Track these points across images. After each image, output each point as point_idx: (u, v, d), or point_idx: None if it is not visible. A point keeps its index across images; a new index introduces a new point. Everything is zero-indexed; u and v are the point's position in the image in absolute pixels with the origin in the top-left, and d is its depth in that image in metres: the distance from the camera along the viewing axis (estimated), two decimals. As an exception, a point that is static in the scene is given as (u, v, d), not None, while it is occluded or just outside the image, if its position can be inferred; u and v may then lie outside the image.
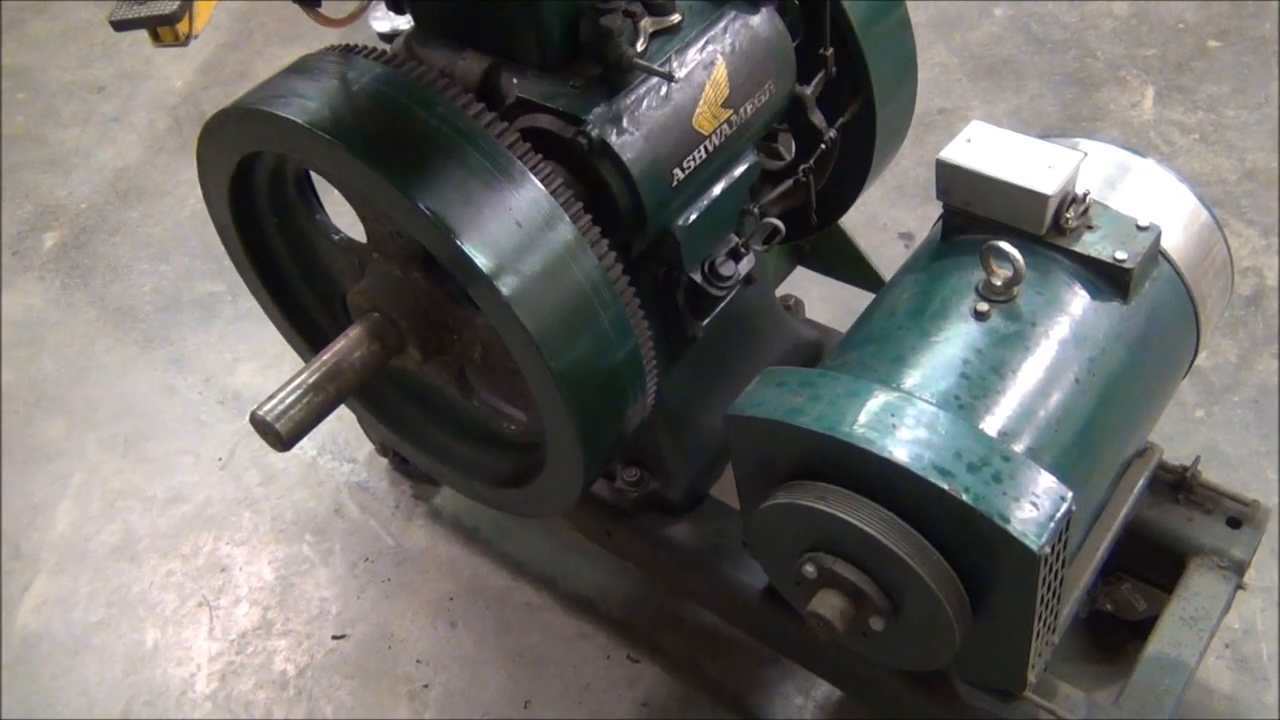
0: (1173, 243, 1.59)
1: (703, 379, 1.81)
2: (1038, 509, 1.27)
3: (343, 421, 2.57)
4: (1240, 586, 1.70)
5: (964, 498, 1.26)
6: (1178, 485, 1.75)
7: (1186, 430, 2.31)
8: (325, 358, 1.50)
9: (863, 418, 1.34)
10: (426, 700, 2.13)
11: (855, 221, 2.77)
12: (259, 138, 1.46)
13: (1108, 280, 1.49)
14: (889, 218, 2.88)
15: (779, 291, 2.20)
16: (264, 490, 2.51)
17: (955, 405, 1.38)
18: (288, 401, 1.47)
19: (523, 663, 2.15)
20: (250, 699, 2.17)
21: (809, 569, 1.41)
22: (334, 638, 2.24)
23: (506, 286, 1.35)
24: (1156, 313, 1.53)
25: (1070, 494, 1.28)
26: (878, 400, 1.36)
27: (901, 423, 1.33)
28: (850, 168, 1.87)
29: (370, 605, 2.28)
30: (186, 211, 3.23)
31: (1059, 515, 1.27)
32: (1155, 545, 1.74)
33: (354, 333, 1.53)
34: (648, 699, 2.07)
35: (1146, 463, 1.73)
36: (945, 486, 1.27)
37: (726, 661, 2.10)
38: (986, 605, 1.37)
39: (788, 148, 1.79)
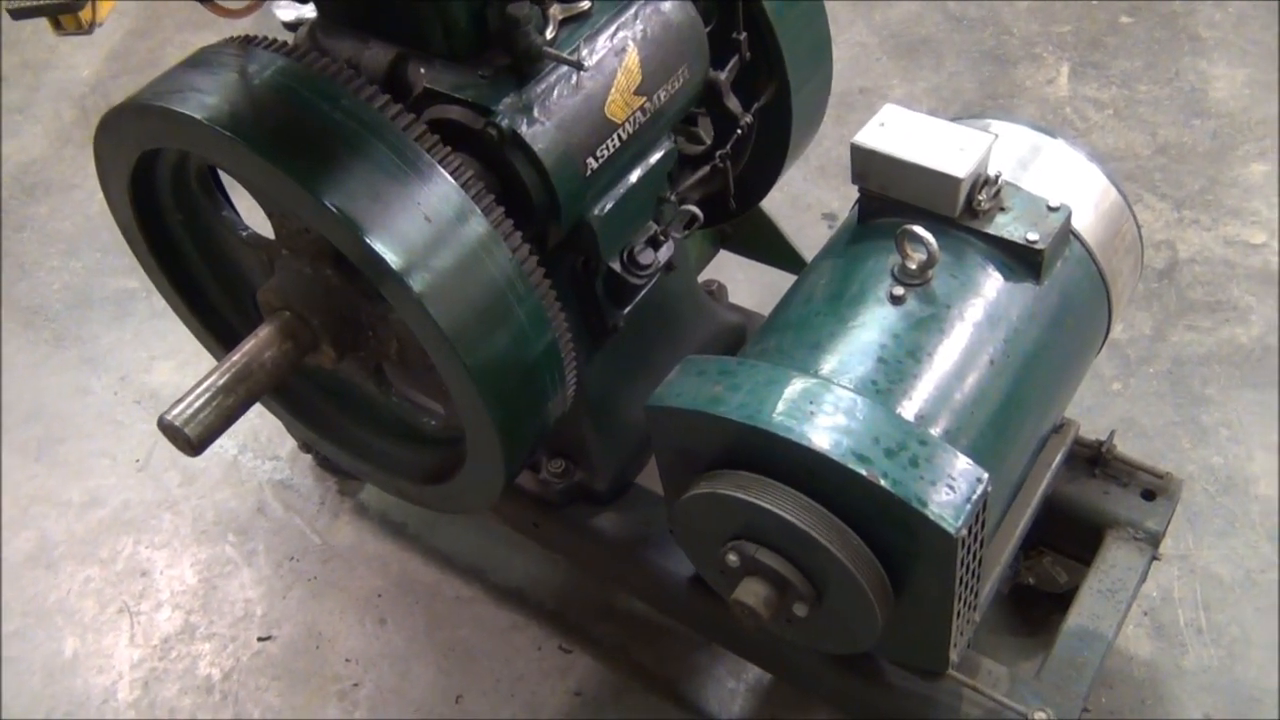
0: (1084, 222, 1.61)
1: (626, 368, 1.80)
2: (954, 491, 1.28)
3: (264, 419, 2.52)
4: (1155, 557, 1.74)
5: (882, 483, 1.27)
6: (1094, 460, 1.78)
7: (1104, 403, 2.35)
8: (235, 359, 1.46)
9: (781, 406, 1.34)
10: (357, 699, 2.10)
11: (779, 203, 2.79)
12: (156, 134, 1.42)
13: (1020, 261, 1.50)
14: (813, 198, 2.88)
15: (702, 276, 2.20)
16: (184, 491, 2.46)
17: (873, 390, 1.39)
18: (197, 405, 1.43)
19: (454, 657, 2.13)
20: (175, 705, 2.12)
21: (732, 558, 1.41)
22: (260, 639, 2.20)
23: (418, 284, 1.32)
24: (1069, 292, 1.54)
25: (986, 475, 1.30)
26: (795, 388, 1.36)
27: (819, 410, 1.33)
28: (768, 151, 1.86)
29: (296, 605, 2.25)
30: (96, 206, 3.14)
31: (975, 497, 1.28)
32: (1074, 519, 1.76)
33: (264, 332, 1.49)
34: (580, 688, 2.07)
35: (1064, 438, 1.75)
36: (863, 472, 1.27)
37: (659, 648, 2.10)
38: (907, 588, 1.38)
39: (707, 132, 1.78)
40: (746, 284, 2.50)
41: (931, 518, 1.26)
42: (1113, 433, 1.80)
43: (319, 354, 1.54)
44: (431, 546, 2.31)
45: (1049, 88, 3.10)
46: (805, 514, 1.32)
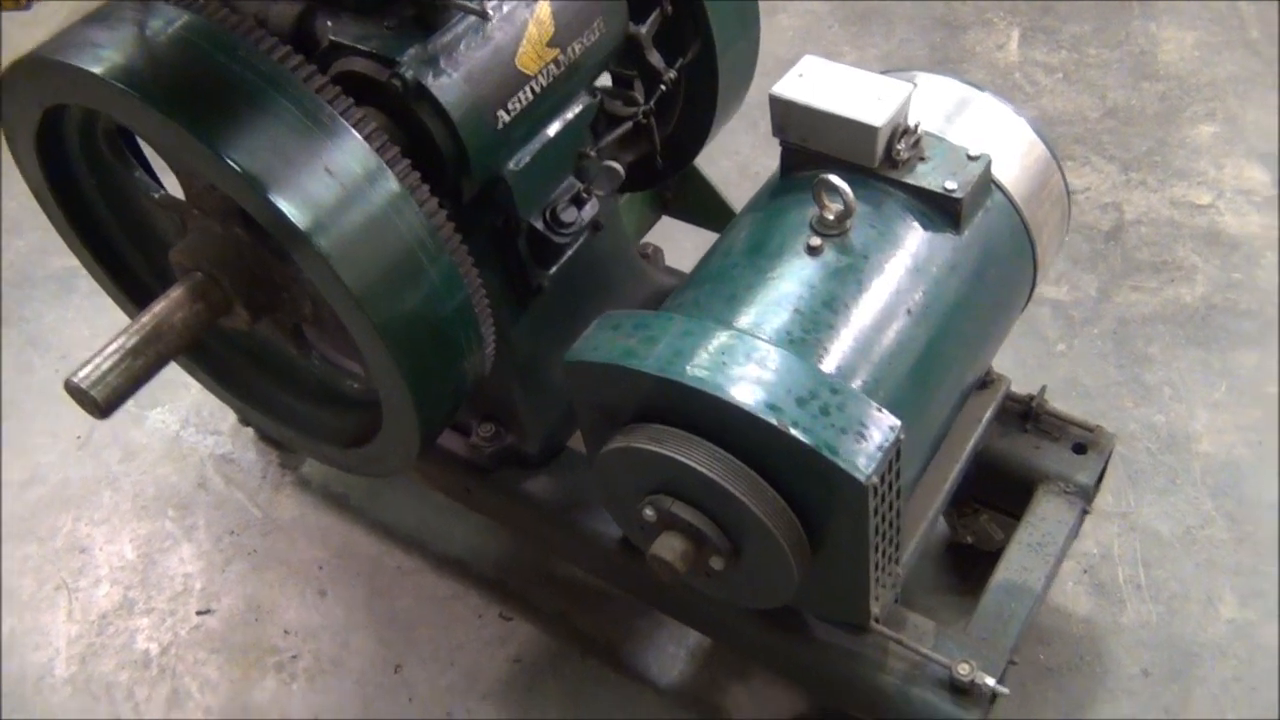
0: (1009, 175, 1.59)
1: (555, 330, 1.77)
2: (866, 440, 1.26)
3: (206, 394, 2.49)
4: (1086, 511, 1.73)
5: (792, 431, 1.26)
6: (1025, 415, 1.78)
7: (1048, 364, 2.35)
8: (144, 320, 1.44)
9: (694, 357, 1.32)
10: (295, 671, 2.08)
11: (726, 170, 2.78)
12: (56, 90, 1.39)
13: (940, 211, 1.49)
14: (760, 166, 2.86)
15: (645, 241, 2.18)
16: (125, 468, 2.43)
17: (788, 341, 1.37)
18: (104, 367, 1.40)
19: (394, 627, 2.12)
20: (111, 680, 2.10)
21: (649, 512, 1.40)
22: (199, 613, 2.18)
23: (324, 243, 1.29)
24: (991, 243, 1.53)
25: (899, 424, 1.28)
26: (709, 339, 1.34)
27: (732, 361, 1.31)
28: (697, 112, 1.84)
29: (236, 578, 2.22)
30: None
31: (887, 445, 1.27)
32: (1005, 474, 1.76)
33: (175, 294, 1.46)
34: (520, 655, 2.05)
35: (995, 393, 1.75)
36: (774, 421, 1.26)
37: (598, 614, 2.09)
38: (825, 540, 1.37)
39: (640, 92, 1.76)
40: (695, 251, 2.48)
41: (842, 465, 1.24)
42: (1043, 388, 1.79)
43: (233, 316, 1.52)
44: (373, 518, 2.29)
45: (999, 53, 3.09)
46: (718, 466, 1.31)
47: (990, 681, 1.48)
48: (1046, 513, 1.70)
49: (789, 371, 1.30)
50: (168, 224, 1.61)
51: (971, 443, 1.69)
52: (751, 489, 1.31)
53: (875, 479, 1.25)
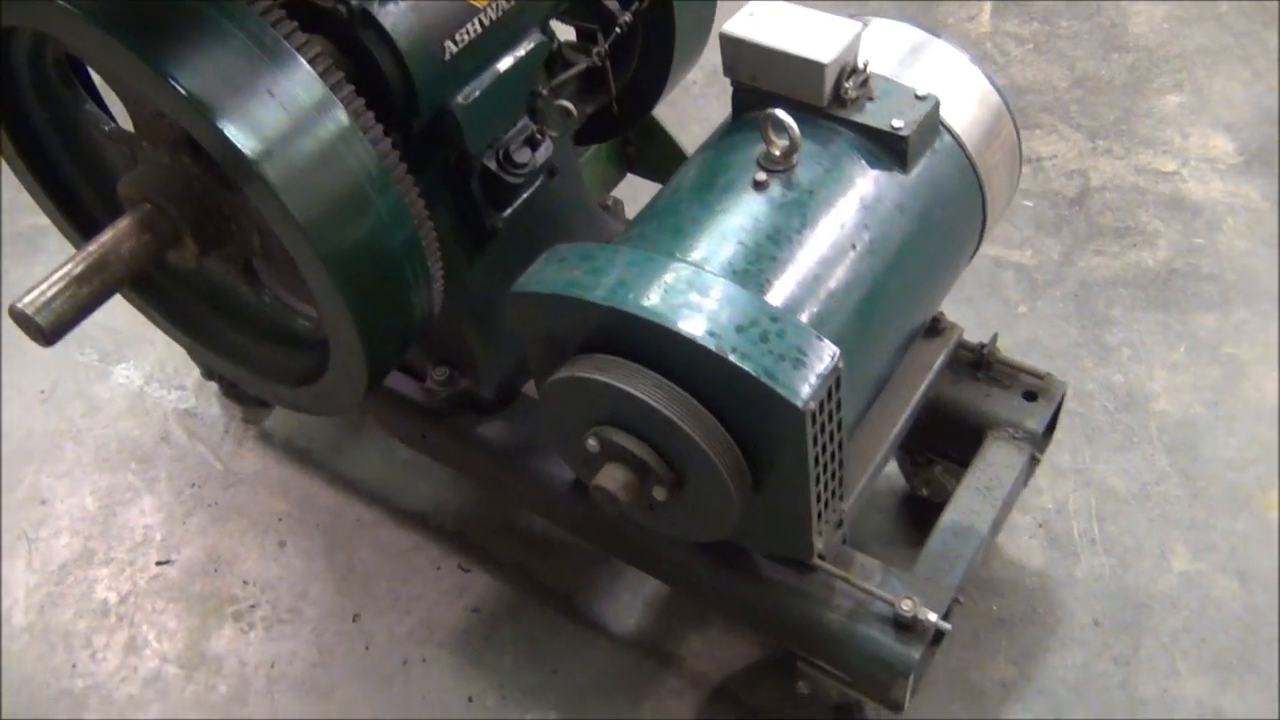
0: (960, 121, 1.60)
1: (510, 275, 1.74)
2: (805, 367, 1.27)
3: (171, 349, 2.50)
4: (1035, 458, 1.74)
5: (730, 357, 1.26)
6: (977, 363, 1.79)
7: (1009, 325, 2.36)
8: (91, 249, 1.43)
9: (637, 287, 1.33)
10: (253, 620, 2.08)
11: (696, 135, 2.76)
12: (2, 12, 1.38)
13: (886, 150, 1.50)
14: (730, 131, 2.87)
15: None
16: (88, 421, 2.43)
17: (732, 273, 1.38)
18: (50, 294, 1.40)
19: (352, 578, 2.12)
20: (70, 629, 2.10)
21: (592, 443, 1.41)
22: (158, 563, 2.18)
23: (272, 172, 1.29)
24: (938, 184, 1.54)
25: (838, 351, 1.29)
26: (653, 269, 1.35)
27: (674, 290, 1.32)
28: (655, 60, 1.85)
29: (196, 530, 2.23)
30: (10, 144, 3.10)
31: (825, 372, 1.27)
32: (956, 421, 1.77)
33: (123, 224, 1.46)
34: (478, 605, 2.06)
35: (946, 341, 1.76)
36: (712, 347, 1.27)
37: (556, 565, 2.10)
38: (767, 471, 1.37)
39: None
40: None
41: (779, 391, 1.25)
42: (995, 336, 1.80)
43: (181, 249, 1.52)
44: (335, 472, 2.29)
45: (971, 24, 3.10)
46: (659, 393, 1.32)
47: (933, 617, 1.49)
48: (995, 458, 1.71)
49: (730, 300, 1.31)
50: (117, 157, 1.61)
51: (922, 388, 1.70)
52: (692, 416, 1.32)
53: (813, 405, 1.26)
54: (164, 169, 1.47)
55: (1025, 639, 1.92)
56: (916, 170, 1.51)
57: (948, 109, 1.56)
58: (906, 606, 1.50)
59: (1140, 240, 2.49)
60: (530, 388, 1.86)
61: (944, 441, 1.82)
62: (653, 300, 1.31)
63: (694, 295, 1.31)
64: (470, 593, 2.08)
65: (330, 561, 2.15)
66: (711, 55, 2.61)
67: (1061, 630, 1.92)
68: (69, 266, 1.42)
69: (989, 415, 1.75)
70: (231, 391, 2.41)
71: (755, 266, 1.38)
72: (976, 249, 1.71)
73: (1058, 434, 2.12)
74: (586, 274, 1.37)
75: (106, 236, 1.45)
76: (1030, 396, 1.76)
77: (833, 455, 1.37)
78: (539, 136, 1.64)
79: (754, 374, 1.26)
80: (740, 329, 1.28)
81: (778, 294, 1.38)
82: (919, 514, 2.04)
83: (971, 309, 2.38)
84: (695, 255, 1.40)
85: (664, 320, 1.29)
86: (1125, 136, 2.72)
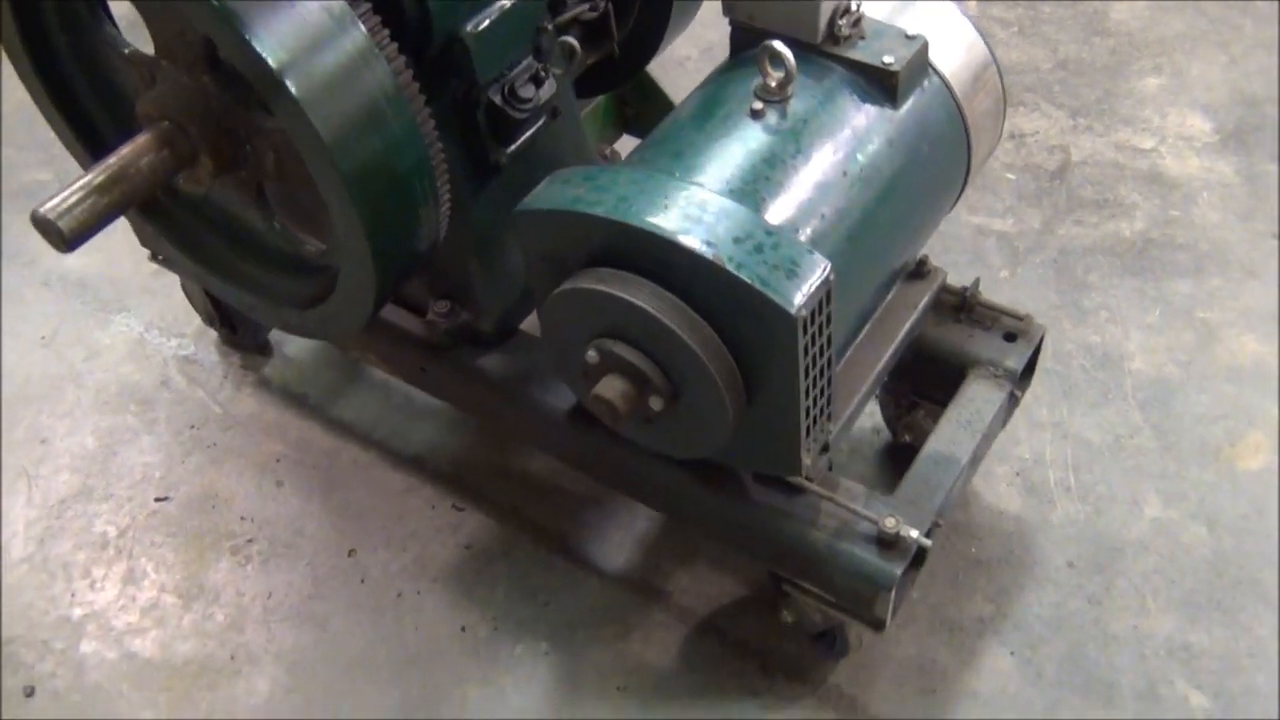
0: (948, 66, 1.67)
1: (510, 213, 1.83)
2: (797, 276, 1.33)
3: (171, 299, 2.56)
4: (1014, 395, 1.81)
5: (727, 266, 1.33)
6: (959, 306, 1.85)
7: (991, 288, 2.35)
8: (111, 161, 1.49)
9: (638, 202, 1.39)
10: (250, 554, 2.13)
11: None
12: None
13: (878, 86, 1.56)
14: (723, 104, 2.94)
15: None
16: (88, 366, 2.47)
17: (728, 192, 1.44)
18: (71, 201, 1.45)
19: (348, 515, 2.17)
20: (69, 560, 2.14)
21: (592, 354, 1.46)
22: (157, 500, 2.22)
23: (295, 85, 1.35)
24: (925, 121, 1.61)
25: (829, 264, 1.35)
26: (653, 185, 1.41)
27: (673, 204, 1.38)
28: (654, 10, 1.91)
29: (195, 469, 2.27)
30: (10, 105, 3.14)
31: (817, 282, 1.34)
32: (939, 360, 1.83)
33: (142, 140, 1.52)
34: (471, 542, 2.11)
35: (931, 283, 1.82)
36: (709, 256, 1.33)
37: (550, 506, 2.15)
38: (759, 384, 1.43)
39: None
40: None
41: (773, 298, 1.31)
42: (977, 279, 1.87)
43: (198, 167, 1.57)
44: (332, 416, 2.34)
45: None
46: (657, 302, 1.38)
47: (915, 534, 1.56)
48: (976, 394, 1.77)
49: (727, 215, 1.37)
50: (134, 81, 1.66)
51: (907, 326, 1.77)
52: (689, 325, 1.38)
53: (805, 313, 1.32)
54: (184, 88, 1.53)
55: (1002, 579, 1.98)
56: (906, 107, 1.58)
57: (936, 54, 1.63)
58: (889, 524, 1.56)
59: (1118, 212, 2.57)
60: (528, 324, 1.92)
61: (927, 382, 1.88)
62: (653, 214, 1.37)
63: (692, 210, 1.37)
64: (464, 531, 2.13)
65: (326, 500, 2.20)
66: (705, 32, 2.70)
67: (1037, 571, 1.99)
68: (89, 176, 1.48)
69: (971, 355, 1.81)
70: (230, 339, 2.47)
71: (751, 187, 1.45)
72: (960, 193, 1.78)
73: (1036, 389, 2.21)
74: (590, 191, 1.43)
75: (126, 150, 1.51)
76: (1010, 338, 1.83)
77: (822, 370, 1.44)
78: (543, 74, 1.70)
79: (749, 282, 1.32)
80: (737, 241, 1.34)
81: (773, 214, 1.45)
82: (901, 463, 2.10)
83: (955, 273, 2.39)
84: (694, 176, 1.46)
85: (663, 232, 1.35)
86: (1105, 115, 2.80)
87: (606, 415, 1.46)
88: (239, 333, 2.41)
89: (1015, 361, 1.80)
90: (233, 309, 2.34)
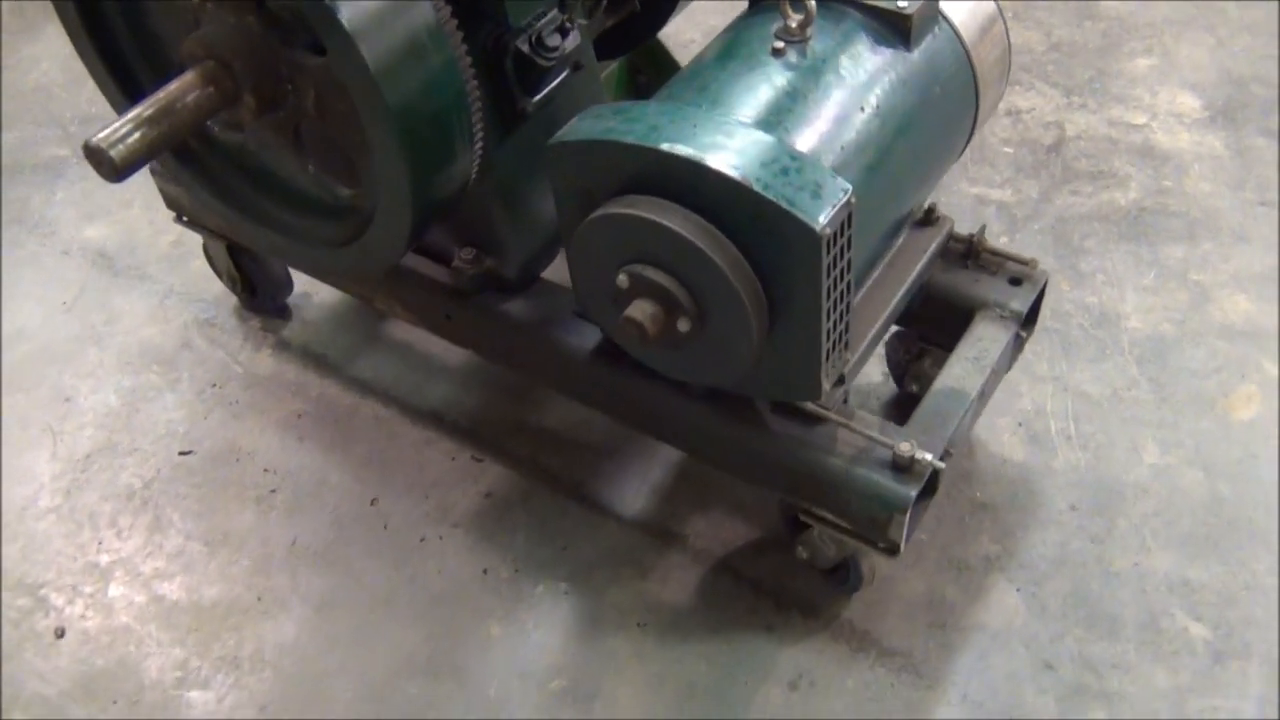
0: (958, 16, 1.75)
1: (534, 162, 1.89)
2: (821, 197, 1.40)
3: (189, 267, 2.62)
4: (1020, 335, 1.89)
5: (754, 187, 1.39)
6: (966, 253, 1.93)
7: (991, 253, 2.50)
8: (159, 96, 1.55)
9: (668, 130, 1.46)
10: (273, 503, 2.18)
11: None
12: None
13: (891, 30, 1.64)
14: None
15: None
16: (110, 329, 2.52)
17: (751, 123, 1.51)
18: (123, 132, 1.51)
19: (370, 466, 2.22)
20: (95, 510, 2.19)
21: (622, 279, 1.53)
22: (181, 453, 2.27)
23: (347, 18, 1.43)
24: (936, 64, 1.69)
25: (850, 187, 1.42)
26: (681, 115, 1.48)
27: (702, 132, 1.45)
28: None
29: (218, 424, 2.32)
30: (29, 84, 3.21)
31: (841, 203, 1.41)
32: (948, 306, 1.90)
33: (189, 76, 1.58)
34: (491, 490, 2.17)
35: (939, 230, 1.90)
36: (737, 177, 1.40)
37: (567, 457, 2.21)
38: (782, 309, 1.50)
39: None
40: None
41: (799, 216, 1.38)
42: (983, 227, 1.95)
43: (240, 108, 1.64)
44: (351, 375, 2.40)
45: (954, -5, 3.27)
46: (686, 223, 1.44)
47: (929, 457, 1.62)
48: (984, 333, 1.84)
49: (753, 141, 1.44)
50: (174, 28, 1.72)
51: (917, 270, 1.84)
52: (716, 246, 1.44)
53: (829, 231, 1.39)
54: (228, 27, 1.59)
55: (1007, 521, 2.05)
56: (918, 50, 1.66)
57: (946, 5, 1.71)
58: (904, 448, 1.63)
59: (1113, 183, 2.66)
60: (549, 272, 1.99)
61: (936, 326, 1.95)
62: (682, 140, 1.44)
63: (720, 137, 1.44)
64: (484, 480, 2.19)
65: (348, 452, 2.25)
66: (708, 18, 2.78)
67: (1041, 514, 2.06)
68: (139, 110, 1.54)
69: (978, 297, 1.88)
70: (250, 303, 2.52)
71: (775, 119, 1.52)
72: (968, 141, 1.86)
73: (1037, 346, 2.29)
74: (620, 123, 1.50)
75: (173, 86, 1.57)
76: (1015, 282, 1.90)
77: (842, 294, 1.50)
78: (569, 25, 1.77)
79: (775, 201, 1.39)
80: (763, 164, 1.41)
81: (795, 144, 1.51)
82: (907, 412, 2.16)
83: (956, 239, 2.52)
84: (719, 109, 1.53)
85: (693, 156, 1.42)
86: (1098, 94, 2.90)
87: (635, 338, 1.52)
88: (259, 295, 2.47)
89: (1020, 304, 1.87)
90: (254, 270, 2.41)
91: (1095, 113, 2.84)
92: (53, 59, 3.26)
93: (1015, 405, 2.22)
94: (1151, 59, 2.99)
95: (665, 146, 1.44)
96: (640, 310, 1.51)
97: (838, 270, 1.46)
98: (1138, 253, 2.50)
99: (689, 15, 2.32)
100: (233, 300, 2.54)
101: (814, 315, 1.48)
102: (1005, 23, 1.85)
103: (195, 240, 2.58)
